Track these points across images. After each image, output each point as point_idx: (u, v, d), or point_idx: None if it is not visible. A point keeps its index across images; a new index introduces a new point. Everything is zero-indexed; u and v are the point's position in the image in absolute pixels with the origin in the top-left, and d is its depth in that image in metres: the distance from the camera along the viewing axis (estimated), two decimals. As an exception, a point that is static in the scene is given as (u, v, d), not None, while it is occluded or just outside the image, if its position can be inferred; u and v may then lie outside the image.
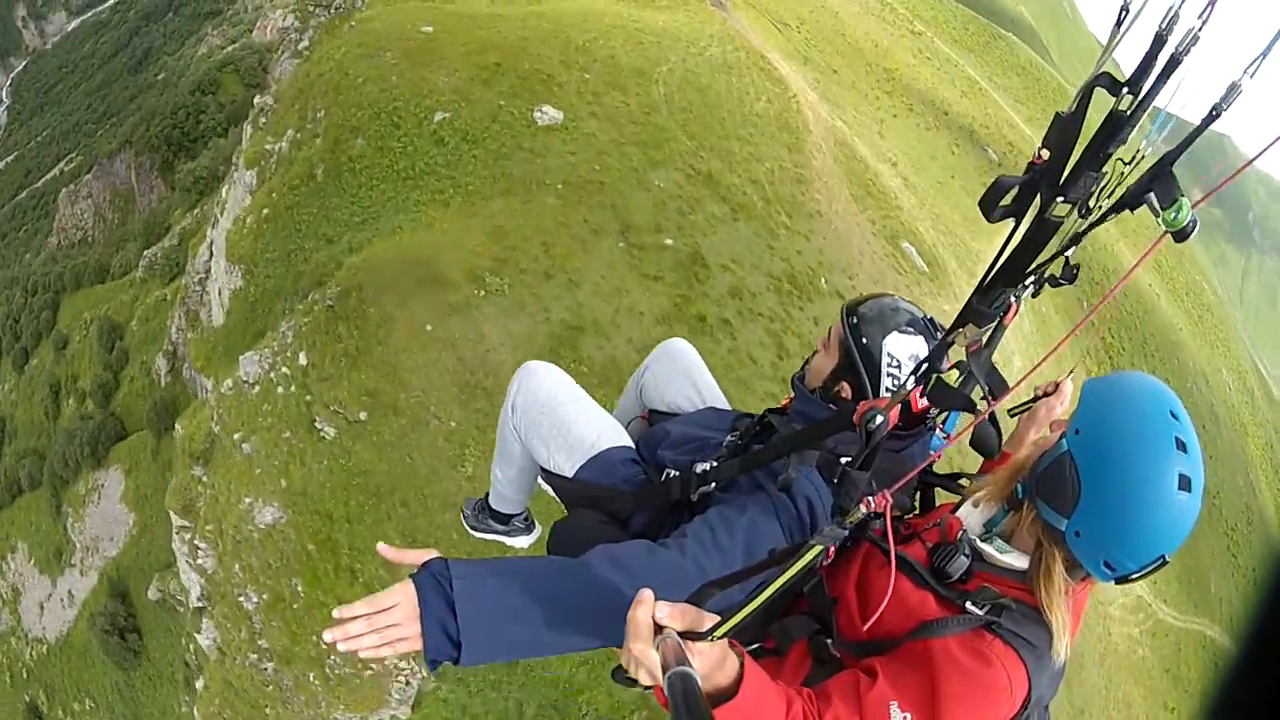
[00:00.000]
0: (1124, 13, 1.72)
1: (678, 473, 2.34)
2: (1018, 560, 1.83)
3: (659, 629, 1.40)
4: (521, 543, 3.28)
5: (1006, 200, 1.93)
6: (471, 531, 3.29)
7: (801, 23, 36.30)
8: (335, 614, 1.55)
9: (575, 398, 2.59)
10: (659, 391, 2.91)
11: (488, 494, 3.17)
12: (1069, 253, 1.87)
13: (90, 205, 64.55)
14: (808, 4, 38.84)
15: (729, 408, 2.84)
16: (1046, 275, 1.90)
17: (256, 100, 30.28)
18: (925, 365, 1.97)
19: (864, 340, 2.25)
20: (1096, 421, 1.71)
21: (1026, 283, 1.89)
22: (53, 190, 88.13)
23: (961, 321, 1.95)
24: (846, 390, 2.30)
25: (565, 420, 2.52)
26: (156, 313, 34.00)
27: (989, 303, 1.92)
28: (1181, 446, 1.62)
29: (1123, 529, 1.64)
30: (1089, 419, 1.72)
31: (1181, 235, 1.60)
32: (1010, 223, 1.96)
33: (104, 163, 65.47)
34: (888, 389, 2.22)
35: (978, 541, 1.88)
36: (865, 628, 1.88)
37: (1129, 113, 1.67)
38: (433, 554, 1.66)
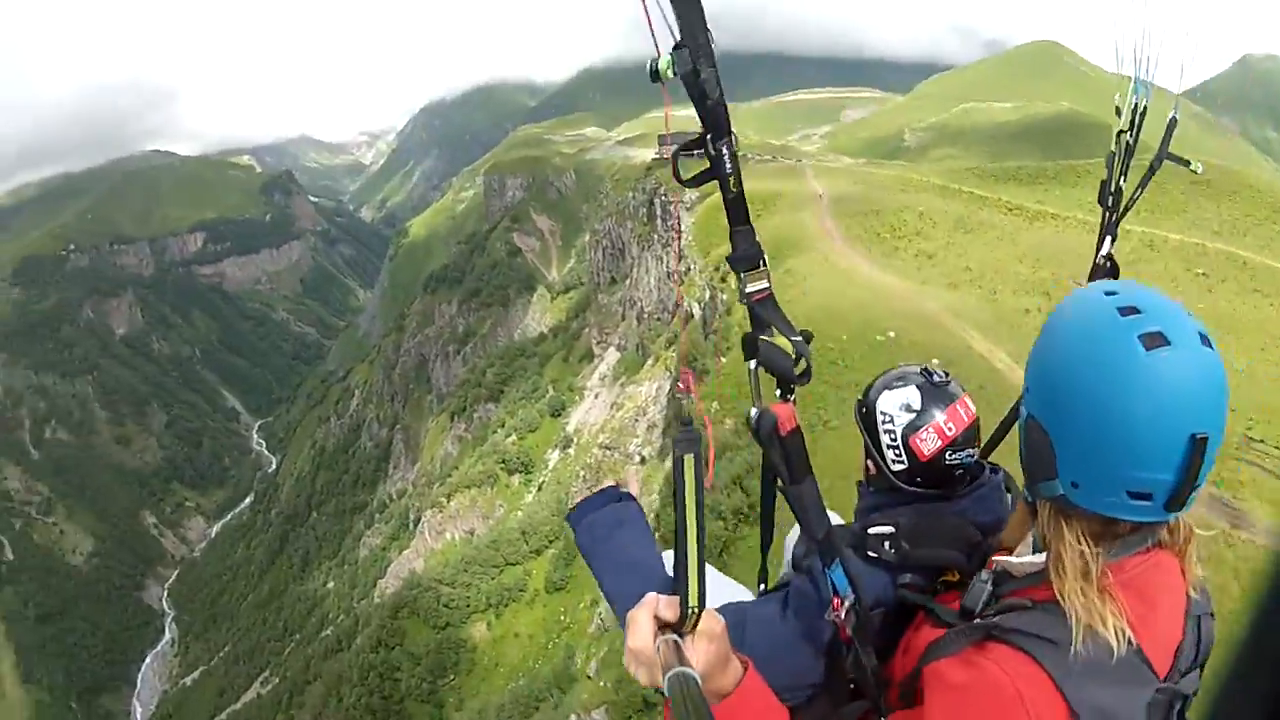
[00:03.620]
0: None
1: None
2: (1037, 557, 1.60)
3: (661, 630, 1.38)
4: None
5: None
6: None
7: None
8: None
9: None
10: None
11: None
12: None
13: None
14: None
15: None
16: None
17: None
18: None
19: (864, 410, 2.34)
20: (1038, 367, 1.51)
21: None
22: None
23: None
24: (871, 467, 2.36)
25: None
26: None
27: None
28: (1130, 311, 1.40)
29: (1108, 439, 1.37)
30: (1031, 372, 1.53)
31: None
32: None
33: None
34: (888, 444, 2.26)
35: (1004, 561, 1.68)
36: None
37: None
38: None
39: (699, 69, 1.36)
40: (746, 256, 1.62)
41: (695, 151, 1.56)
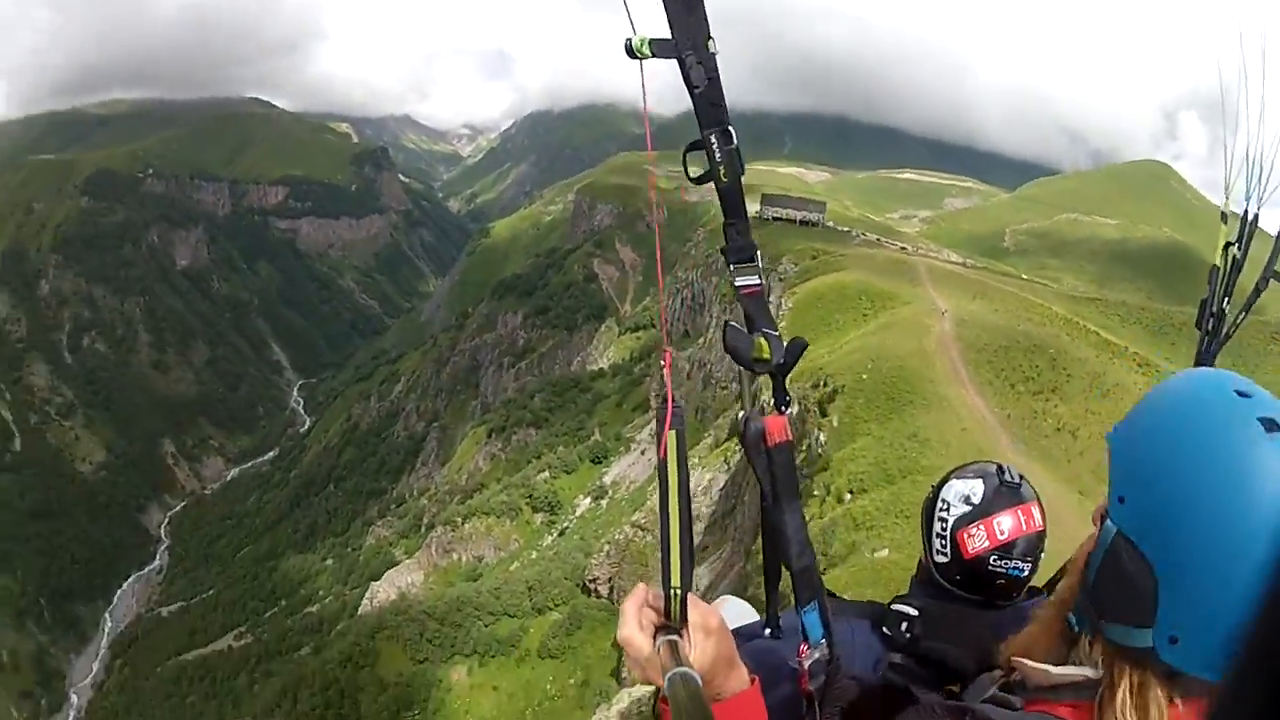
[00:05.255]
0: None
1: None
2: (1073, 670, 1.25)
3: (661, 629, 1.34)
4: None
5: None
6: None
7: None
8: None
9: None
10: None
11: None
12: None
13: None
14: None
15: None
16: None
17: None
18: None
19: (929, 496, 2.23)
20: (1141, 466, 1.18)
21: None
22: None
23: None
24: (922, 558, 2.28)
25: None
26: None
27: None
28: (1273, 426, 1.10)
29: (1241, 565, 1.04)
30: (1129, 472, 1.19)
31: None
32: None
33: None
34: (937, 533, 2.16)
35: (1023, 665, 1.36)
36: None
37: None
38: None
39: (683, 57, 1.34)
40: (739, 248, 1.53)
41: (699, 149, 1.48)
